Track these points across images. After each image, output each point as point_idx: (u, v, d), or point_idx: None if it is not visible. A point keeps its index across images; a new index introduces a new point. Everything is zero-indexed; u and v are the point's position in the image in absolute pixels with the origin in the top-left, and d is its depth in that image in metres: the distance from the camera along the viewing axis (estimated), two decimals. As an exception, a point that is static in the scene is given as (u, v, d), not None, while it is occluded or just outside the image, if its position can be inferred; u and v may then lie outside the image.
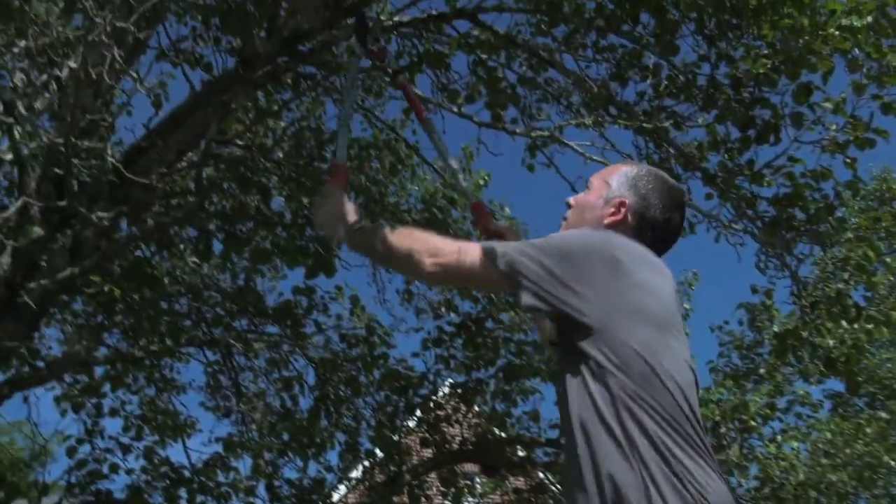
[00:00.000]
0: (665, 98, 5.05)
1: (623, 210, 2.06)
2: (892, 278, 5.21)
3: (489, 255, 1.86)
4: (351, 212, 2.24)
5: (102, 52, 3.92)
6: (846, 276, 4.91)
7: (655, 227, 2.09)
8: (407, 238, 2.04)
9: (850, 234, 4.73)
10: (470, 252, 1.90)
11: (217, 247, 4.75)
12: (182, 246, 5.80)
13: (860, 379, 5.12)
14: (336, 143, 2.59)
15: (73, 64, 3.15)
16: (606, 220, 2.05)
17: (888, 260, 5.48)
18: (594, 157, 5.36)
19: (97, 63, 3.98)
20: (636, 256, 1.87)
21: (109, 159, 3.39)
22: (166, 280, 6.56)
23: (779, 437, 7.91)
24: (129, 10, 3.93)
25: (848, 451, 8.89)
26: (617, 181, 2.11)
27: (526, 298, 1.78)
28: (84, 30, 4.41)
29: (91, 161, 4.16)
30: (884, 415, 10.09)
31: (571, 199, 2.15)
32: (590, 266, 1.78)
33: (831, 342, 5.27)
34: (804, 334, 4.92)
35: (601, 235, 1.92)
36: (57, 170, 3.81)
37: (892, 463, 9.18)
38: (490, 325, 6.92)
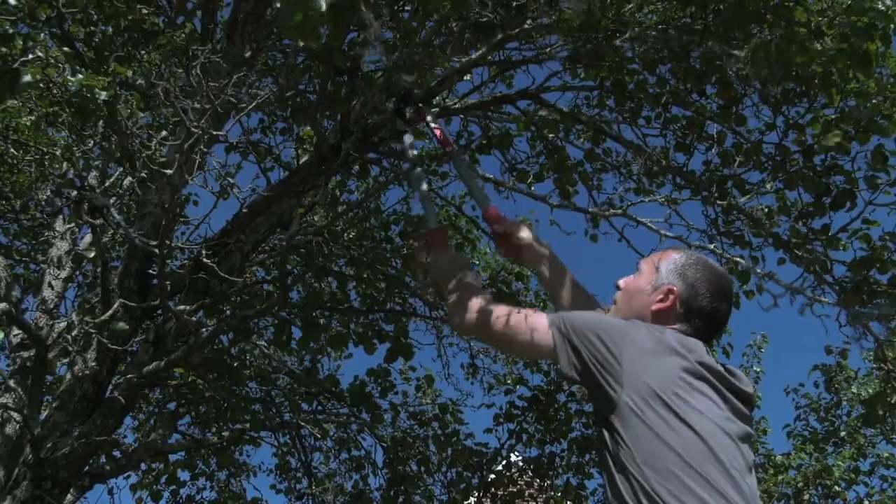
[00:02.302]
0: (732, 166, 5.06)
1: (672, 297, 2.10)
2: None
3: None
4: (467, 277, 2.32)
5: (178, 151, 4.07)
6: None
7: (703, 316, 2.12)
8: (504, 315, 2.10)
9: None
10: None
11: (295, 334, 4.81)
12: (258, 334, 5.89)
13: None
14: (424, 215, 2.69)
15: (164, 169, 3.27)
16: (654, 307, 2.10)
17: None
18: (663, 233, 5.36)
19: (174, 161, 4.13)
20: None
21: (203, 259, 3.48)
22: (237, 366, 6.66)
23: (865, 502, 7.66)
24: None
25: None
26: (666, 268, 2.15)
27: None
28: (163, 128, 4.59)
29: (174, 257, 4.28)
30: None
31: (622, 282, 2.20)
32: None
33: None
34: (891, 400, 4.81)
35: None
36: (150, 271, 3.93)
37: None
38: (562, 397, 6.87)
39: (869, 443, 7.86)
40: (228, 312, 4.99)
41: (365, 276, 5.53)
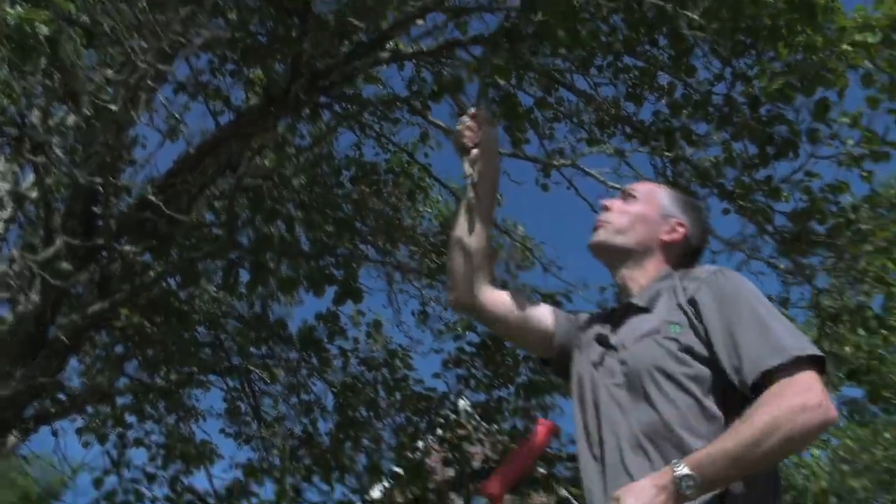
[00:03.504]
0: (681, 116, 5.12)
1: (681, 231, 2.04)
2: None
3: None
4: None
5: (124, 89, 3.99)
6: (865, 287, 4.97)
7: (694, 256, 2.09)
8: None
9: (869, 247, 4.78)
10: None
11: (243, 278, 4.79)
12: (207, 278, 5.85)
13: (879, 386, 5.16)
14: None
15: (110, 104, 3.21)
16: (665, 237, 2.03)
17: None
18: (610, 184, 5.43)
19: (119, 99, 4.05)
20: None
21: (150, 196, 3.44)
22: (186, 309, 6.63)
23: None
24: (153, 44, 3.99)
25: (866, 456, 8.91)
26: (670, 200, 2.09)
27: None
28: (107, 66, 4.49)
29: (120, 197, 4.22)
30: (901, 420, 10.12)
31: (610, 203, 2.08)
32: None
33: (848, 350, 5.32)
34: (825, 346, 4.97)
35: None
36: (94, 208, 3.87)
37: (911, 468, 9.25)
38: (509, 343, 6.95)
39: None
40: (176, 256, 4.95)
41: (315, 220, 5.51)
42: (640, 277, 2.00)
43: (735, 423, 1.58)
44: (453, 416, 7.05)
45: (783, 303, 6.57)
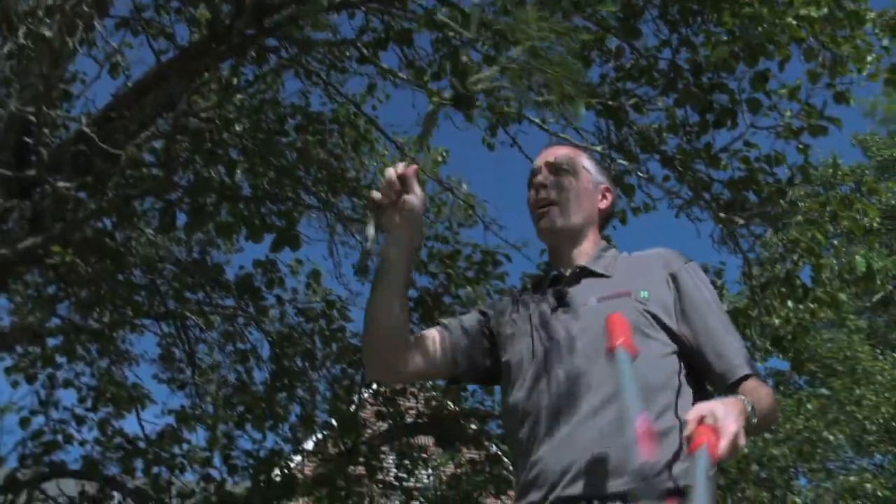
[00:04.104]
0: (627, 81, 5.15)
1: (610, 197, 2.08)
2: (836, 261, 5.41)
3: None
4: None
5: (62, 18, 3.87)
6: (795, 257, 5.10)
7: (609, 220, 2.17)
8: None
9: (800, 217, 4.90)
10: None
11: (181, 220, 4.72)
12: (141, 218, 5.75)
13: (804, 357, 5.32)
14: None
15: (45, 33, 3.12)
16: (601, 206, 2.06)
17: (835, 243, 5.69)
18: (559, 134, 5.46)
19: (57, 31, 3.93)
20: None
21: (84, 128, 3.36)
22: (121, 250, 6.52)
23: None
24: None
25: (788, 426, 9.21)
26: (593, 165, 2.09)
27: None
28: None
29: (54, 130, 4.12)
30: (824, 391, 10.45)
31: (544, 179, 2.01)
32: None
33: (777, 321, 5.47)
34: (753, 313, 5.10)
35: None
36: (27, 139, 3.77)
37: (831, 438, 9.55)
38: (448, 299, 6.99)
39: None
40: (112, 194, 4.85)
41: (257, 166, 5.45)
42: (588, 249, 2.01)
43: (749, 392, 1.72)
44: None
45: (718, 274, 6.72)
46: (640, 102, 5.10)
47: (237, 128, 5.76)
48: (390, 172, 1.80)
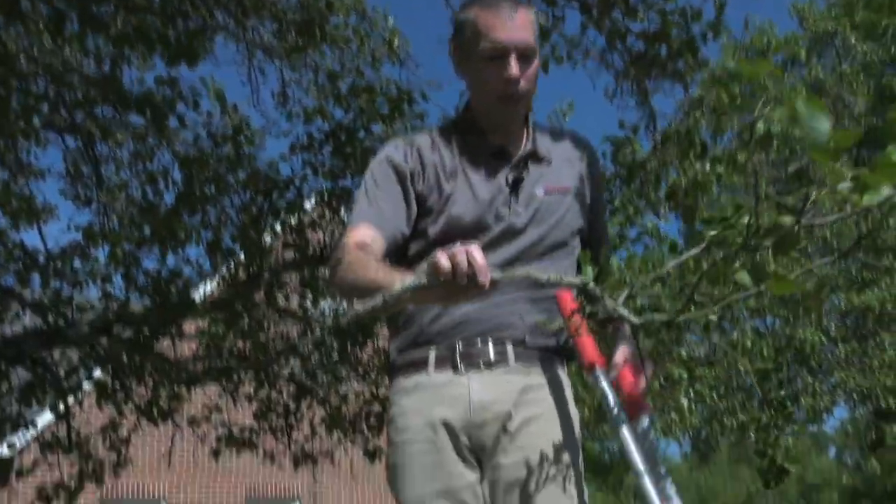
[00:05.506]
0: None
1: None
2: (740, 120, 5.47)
3: None
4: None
5: None
6: (698, 114, 5.14)
7: None
8: None
9: (705, 75, 4.91)
10: None
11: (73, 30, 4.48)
12: (30, 19, 5.45)
13: (696, 213, 5.45)
14: None
15: None
16: None
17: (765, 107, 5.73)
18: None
19: None
20: None
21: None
22: (22, 59, 6.23)
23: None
24: None
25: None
26: (536, 36, 2.05)
27: None
28: None
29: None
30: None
31: (515, 72, 1.91)
32: None
33: (674, 175, 5.58)
34: (651, 165, 5.18)
35: None
36: None
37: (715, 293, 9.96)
38: (361, 135, 6.92)
39: (637, 212, 8.51)
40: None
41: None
42: (525, 126, 2.06)
43: None
44: (297, 200, 7.05)
45: (634, 130, 6.76)
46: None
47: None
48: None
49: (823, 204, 1.24)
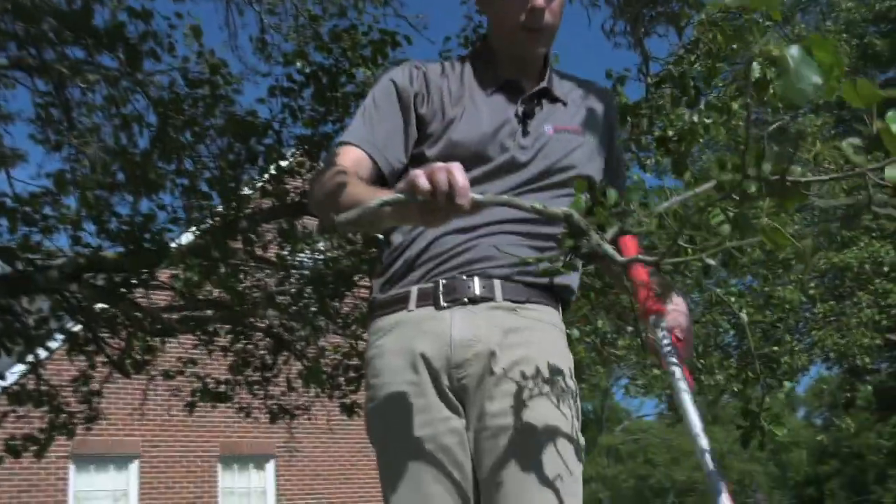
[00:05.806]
0: None
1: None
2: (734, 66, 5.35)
3: None
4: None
5: None
6: (693, 58, 5.00)
7: None
8: None
9: (703, 17, 4.76)
10: None
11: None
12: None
13: (686, 161, 5.33)
14: None
15: None
16: None
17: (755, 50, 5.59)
18: None
19: None
20: None
21: None
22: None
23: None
24: None
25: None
26: None
27: None
28: None
29: None
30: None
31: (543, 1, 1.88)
32: None
33: (666, 122, 5.45)
34: (643, 110, 5.04)
35: None
36: None
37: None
38: (343, 80, 6.71)
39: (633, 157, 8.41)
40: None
41: None
42: (543, 66, 1.98)
43: None
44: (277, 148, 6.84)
45: (621, 80, 6.61)
46: None
47: None
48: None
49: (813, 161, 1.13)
